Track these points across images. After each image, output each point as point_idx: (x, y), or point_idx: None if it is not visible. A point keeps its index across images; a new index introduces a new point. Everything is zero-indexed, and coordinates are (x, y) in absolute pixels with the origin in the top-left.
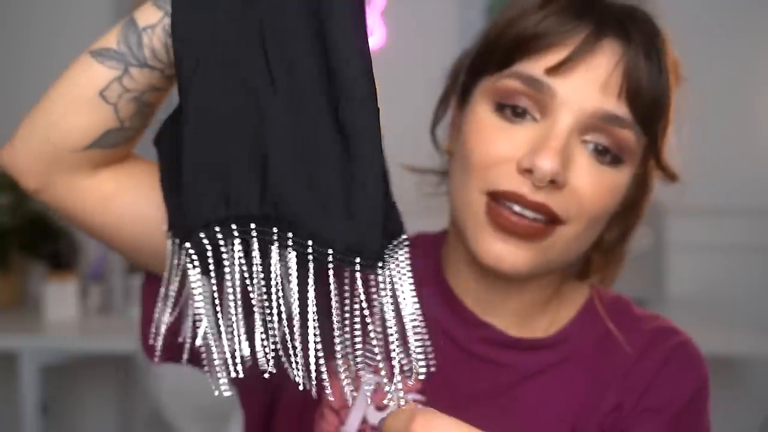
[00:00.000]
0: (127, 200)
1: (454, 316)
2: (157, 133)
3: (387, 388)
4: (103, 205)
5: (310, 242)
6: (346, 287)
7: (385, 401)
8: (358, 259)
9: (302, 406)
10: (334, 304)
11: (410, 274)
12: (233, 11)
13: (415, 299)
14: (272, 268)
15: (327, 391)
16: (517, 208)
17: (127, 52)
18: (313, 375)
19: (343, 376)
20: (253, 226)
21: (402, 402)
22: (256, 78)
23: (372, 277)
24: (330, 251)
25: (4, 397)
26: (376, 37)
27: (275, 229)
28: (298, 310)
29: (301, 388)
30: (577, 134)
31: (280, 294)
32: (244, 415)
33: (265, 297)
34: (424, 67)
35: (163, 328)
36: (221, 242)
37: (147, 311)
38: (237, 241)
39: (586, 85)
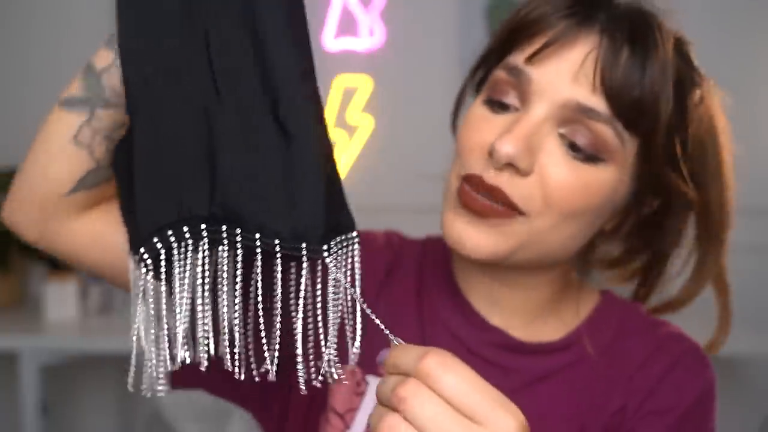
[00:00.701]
0: (117, 236)
1: (464, 320)
2: (112, 158)
3: (324, 367)
4: (94, 243)
5: (257, 234)
6: (293, 280)
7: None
8: (304, 245)
9: (307, 410)
10: (280, 293)
11: (358, 269)
12: (177, 26)
13: (357, 293)
14: (220, 266)
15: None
16: (477, 192)
17: (91, 95)
18: (274, 368)
19: (300, 366)
20: (203, 226)
21: (335, 376)
22: (202, 88)
23: (319, 265)
24: (277, 241)
25: (4, 397)
26: (376, 37)
27: (224, 227)
28: (241, 305)
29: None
30: (553, 126)
31: (225, 290)
32: (260, 426)
33: (212, 294)
34: (424, 67)
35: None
36: (174, 245)
37: None
38: (189, 242)
39: (558, 74)
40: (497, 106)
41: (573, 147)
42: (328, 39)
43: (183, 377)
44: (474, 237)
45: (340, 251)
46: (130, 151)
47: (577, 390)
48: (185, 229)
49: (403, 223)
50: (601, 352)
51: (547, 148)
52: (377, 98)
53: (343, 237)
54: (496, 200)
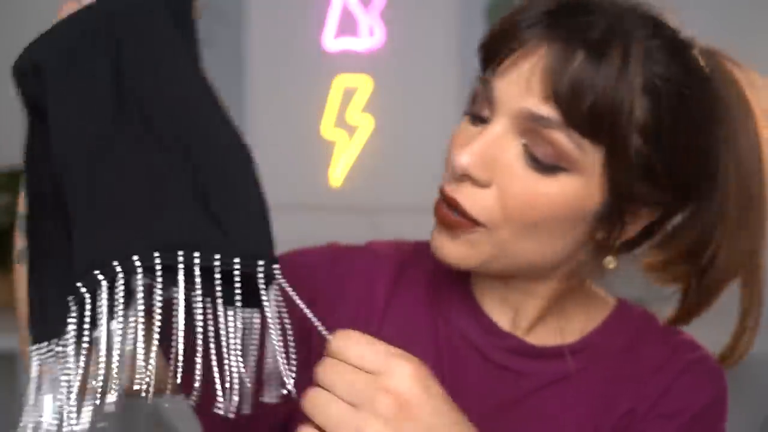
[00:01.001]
0: None
1: (479, 326)
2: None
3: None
4: None
5: (217, 256)
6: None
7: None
8: (261, 262)
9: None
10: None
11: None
12: (105, 110)
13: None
14: (178, 293)
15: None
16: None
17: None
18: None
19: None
20: (156, 255)
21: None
22: (137, 141)
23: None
24: (237, 260)
25: (4, 397)
26: (376, 37)
27: (180, 253)
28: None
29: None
30: (516, 137)
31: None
32: None
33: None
34: (424, 67)
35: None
36: (122, 278)
37: None
38: (140, 275)
39: (515, 84)
40: (477, 119)
41: (532, 158)
42: (328, 39)
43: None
44: (446, 247)
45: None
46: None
47: (589, 394)
48: (135, 258)
49: (403, 224)
50: (615, 357)
51: (508, 159)
52: (377, 98)
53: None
54: (453, 209)
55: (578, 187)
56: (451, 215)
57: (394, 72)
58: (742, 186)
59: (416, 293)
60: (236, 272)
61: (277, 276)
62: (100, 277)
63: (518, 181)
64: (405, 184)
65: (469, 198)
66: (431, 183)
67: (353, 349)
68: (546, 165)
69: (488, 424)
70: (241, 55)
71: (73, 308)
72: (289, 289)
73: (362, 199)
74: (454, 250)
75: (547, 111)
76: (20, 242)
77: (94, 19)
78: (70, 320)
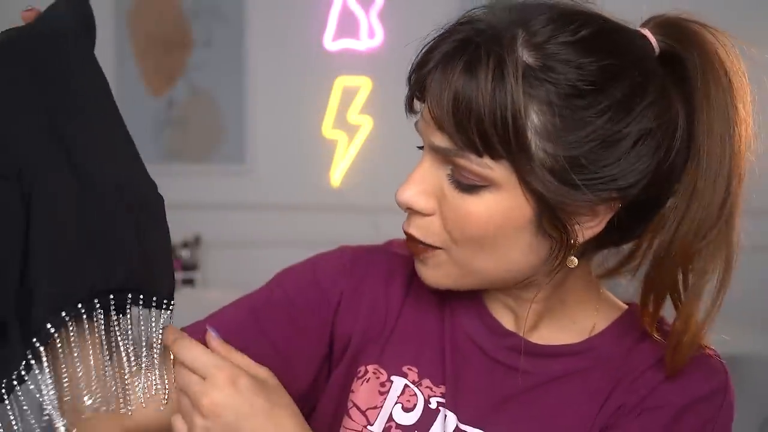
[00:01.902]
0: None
1: (483, 326)
2: None
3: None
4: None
5: (154, 298)
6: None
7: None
8: (172, 303)
9: (336, 409)
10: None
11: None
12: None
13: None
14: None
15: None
16: None
17: None
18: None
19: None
20: (111, 296)
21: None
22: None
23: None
24: (166, 301)
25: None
26: (376, 38)
27: (130, 296)
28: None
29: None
30: (440, 167)
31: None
32: None
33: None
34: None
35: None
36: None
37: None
38: (99, 310)
39: (423, 121)
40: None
41: (456, 182)
42: (328, 40)
43: None
44: (422, 272)
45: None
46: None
47: (590, 394)
48: (96, 301)
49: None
50: (619, 359)
51: (439, 187)
52: (376, 99)
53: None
54: (415, 243)
55: (502, 200)
56: (414, 246)
57: (393, 73)
58: (703, 152)
59: (428, 294)
60: (153, 307)
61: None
62: (67, 318)
63: (450, 204)
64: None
65: (420, 229)
66: None
67: (187, 357)
68: (467, 186)
69: (489, 419)
70: (241, 55)
71: (38, 345)
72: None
73: (361, 200)
74: (428, 274)
75: (442, 141)
76: None
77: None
78: (34, 358)
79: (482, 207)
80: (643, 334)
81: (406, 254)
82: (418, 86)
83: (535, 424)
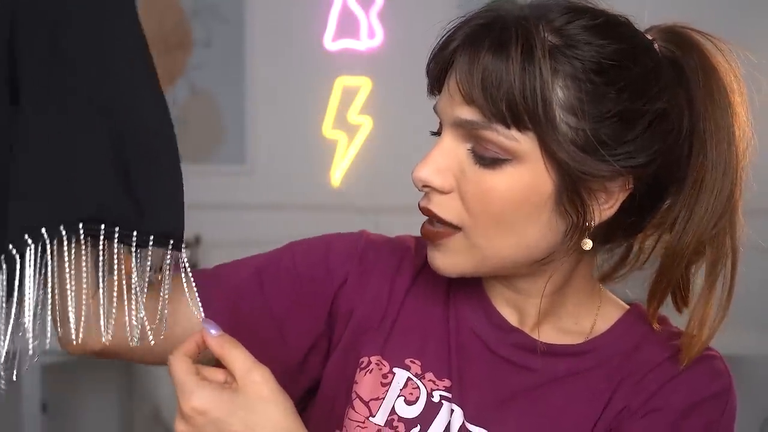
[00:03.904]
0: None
1: (488, 321)
2: None
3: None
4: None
5: (134, 233)
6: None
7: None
8: (171, 242)
9: (334, 397)
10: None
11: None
12: None
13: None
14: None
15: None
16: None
17: None
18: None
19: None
20: (80, 225)
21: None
22: (82, 108)
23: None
24: (151, 237)
25: (6, 396)
26: (376, 38)
27: (103, 227)
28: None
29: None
30: (461, 144)
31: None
32: None
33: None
34: (423, 68)
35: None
36: (47, 242)
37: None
38: (64, 239)
39: (445, 98)
40: (437, 136)
41: (477, 157)
42: (328, 40)
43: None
44: (436, 259)
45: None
46: None
47: (592, 394)
48: (62, 227)
49: (402, 223)
50: (621, 360)
51: (459, 164)
52: (376, 99)
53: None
54: (432, 222)
55: (524, 174)
56: (431, 228)
57: (393, 73)
58: (711, 146)
59: (434, 288)
60: (150, 247)
61: (183, 254)
62: (30, 240)
63: (470, 180)
64: (404, 184)
65: (438, 205)
66: None
67: (172, 369)
68: (489, 160)
69: (493, 416)
70: (241, 55)
71: (2, 266)
72: (189, 273)
73: (360, 200)
74: (443, 260)
75: (470, 114)
76: None
77: None
78: None
79: (504, 182)
80: (645, 335)
81: (418, 248)
82: (443, 63)
83: (539, 423)
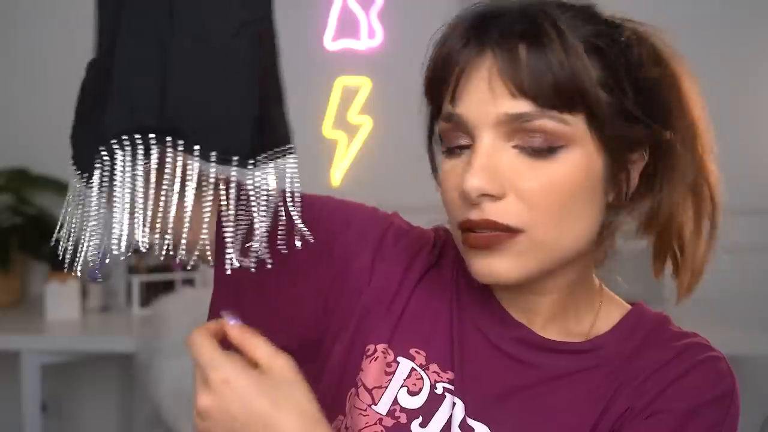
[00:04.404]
0: None
1: (490, 314)
2: (82, 82)
3: None
4: None
5: (197, 147)
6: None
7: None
8: (235, 158)
9: (338, 382)
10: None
11: (293, 178)
12: None
13: (273, 202)
14: (169, 168)
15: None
16: (476, 232)
17: None
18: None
19: (229, 255)
20: (151, 136)
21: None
22: (162, 22)
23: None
24: (213, 153)
25: (6, 396)
26: (376, 38)
27: (169, 138)
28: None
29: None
30: (504, 143)
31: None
32: None
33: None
34: (424, 67)
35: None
36: (127, 149)
37: (214, 294)
38: (140, 147)
39: (478, 99)
40: (456, 151)
41: (528, 151)
42: (328, 40)
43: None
44: (494, 266)
45: (268, 162)
46: (94, 71)
47: (593, 394)
48: (137, 136)
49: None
50: (624, 360)
51: (508, 163)
52: (376, 99)
53: (275, 150)
54: (492, 230)
55: (579, 157)
56: (488, 236)
57: (393, 73)
58: (685, 117)
59: (439, 281)
60: (213, 161)
61: (249, 168)
62: (116, 146)
63: (527, 176)
64: (402, 185)
65: (497, 212)
66: (429, 183)
67: (195, 349)
68: (544, 151)
69: (493, 411)
70: None
71: (98, 163)
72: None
73: (362, 199)
74: (505, 265)
75: (522, 106)
76: None
77: None
78: (96, 168)
79: (561, 169)
80: (647, 336)
81: (437, 240)
82: (451, 67)
83: (539, 420)
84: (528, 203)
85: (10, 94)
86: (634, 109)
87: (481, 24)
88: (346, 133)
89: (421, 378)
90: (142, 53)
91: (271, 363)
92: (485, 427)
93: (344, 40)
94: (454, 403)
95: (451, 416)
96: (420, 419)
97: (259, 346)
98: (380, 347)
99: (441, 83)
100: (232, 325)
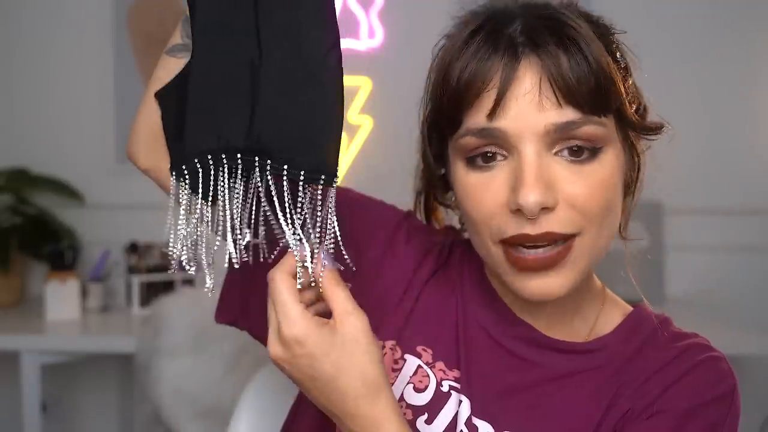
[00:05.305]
0: None
1: (494, 313)
2: (160, 90)
3: (309, 267)
4: None
5: (285, 166)
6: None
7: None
8: (323, 177)
9: None
10: (299, 211)
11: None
12: None
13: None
14: (252, 188)
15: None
16: (528, 247)
17: (189, 42)
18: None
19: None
20: (239, 156)
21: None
22: (249, 39)
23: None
24: (302, 172)
25: (6, 396)
26: (376, 38)
27: (257, 158)
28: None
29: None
30: (546, 153)
31: (256, 207)
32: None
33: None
34: (424, 67)
35: (181, 245)
36: (212, 168)
37: (223, 292)
38: (225, 166)
39: (525, 111)
40: (481, 163)
41: (573, 157)
42: None
43: (224, 313)
44: (553, 285)
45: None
46: (181, 87)
47: (594, 393)
48: (223, 156)
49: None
50: (625, 361)
51: (556, 172)
52: (376, 99)
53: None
54: (551, 243)
55: (614, 156)
56: (545, 257)
57: (393, 73)
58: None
59: (445, 280)
60: (301, 180)
61: (333, 188)
62: (199, 166)
63: (576, 182)
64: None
65: (555, 223)
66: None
67: (277, 296)
68: (588, 154)
69: (497, 409)
70: None
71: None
72: (333, 215)
73: None
74: (560, 281)
75: (568, 114)
76: (178, 39)
77: None
78: (188, 177)
79: (603, 170)
80: (649, 337)
81: (448, 239)
82: (477, 81)
83: (542, 420)
84: (578, 209)
85: (10, 94)
86: (628, 101)
87: (500, 30)
88: (347, 133)
89: (428, 375)
90: (232, 72)
91: (344, 320)
92: (489, 425)
93: (344, 39)
94: (460, 401)
95: (456, 414)
96: (425, 416)
97: (338, 300)
98: (389, 344)
99: (468, 97)
100: (325, 269)
